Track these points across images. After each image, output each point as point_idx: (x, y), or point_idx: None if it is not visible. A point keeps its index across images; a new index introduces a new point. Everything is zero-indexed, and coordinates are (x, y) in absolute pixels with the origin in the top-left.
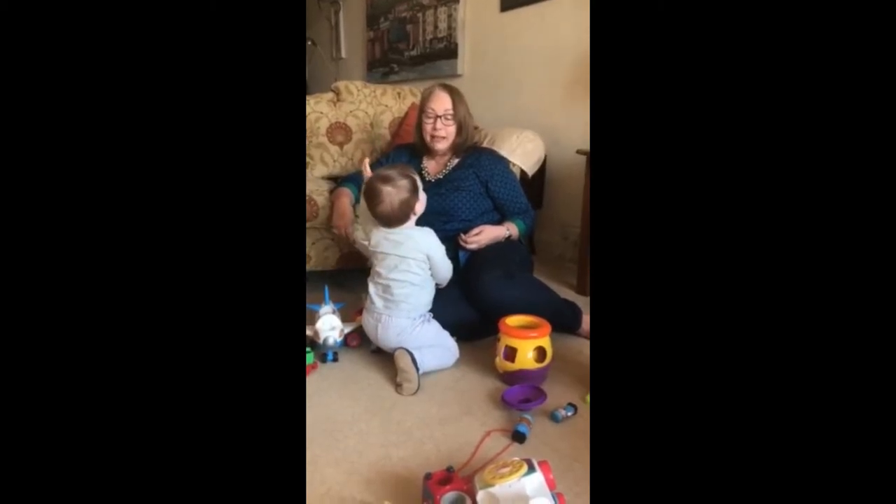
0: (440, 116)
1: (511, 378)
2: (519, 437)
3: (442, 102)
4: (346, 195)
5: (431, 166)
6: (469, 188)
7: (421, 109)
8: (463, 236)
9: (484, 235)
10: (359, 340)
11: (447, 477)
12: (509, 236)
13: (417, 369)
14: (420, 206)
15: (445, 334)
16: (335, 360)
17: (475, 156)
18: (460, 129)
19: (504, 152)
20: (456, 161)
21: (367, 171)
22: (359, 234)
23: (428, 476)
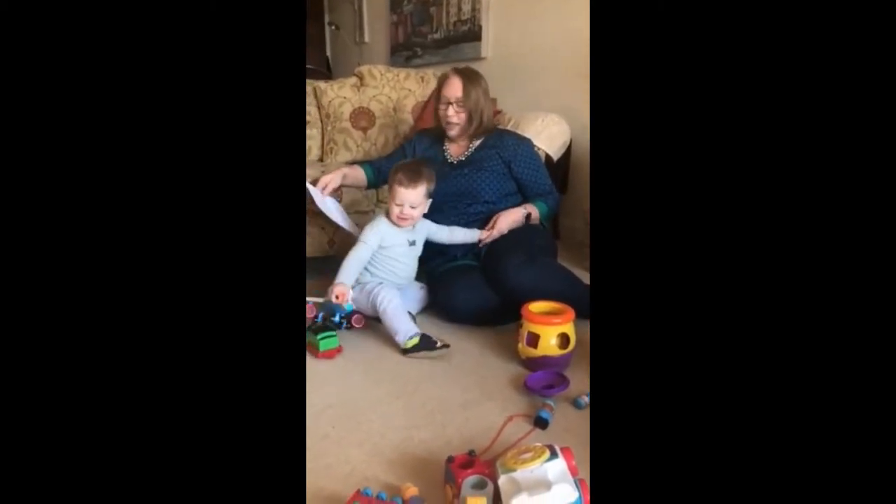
0: (451, 103)
1: (534, 364)
2: (541, 423)
3: (453, 89)
4: (358, 169)
5: (454, 148)
6: (492, 168)
7: (437, 94)
8: (481, 236)
9: (501, 223)
10: (364, 322)
11: (469, 460)
12: (529, 217)
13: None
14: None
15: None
16: (348, 326)
17: (498, 136)
18: (471, 116)
19: (528, 136)
20: (478, 142)
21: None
22: (326, 201)
23: (450, 459)
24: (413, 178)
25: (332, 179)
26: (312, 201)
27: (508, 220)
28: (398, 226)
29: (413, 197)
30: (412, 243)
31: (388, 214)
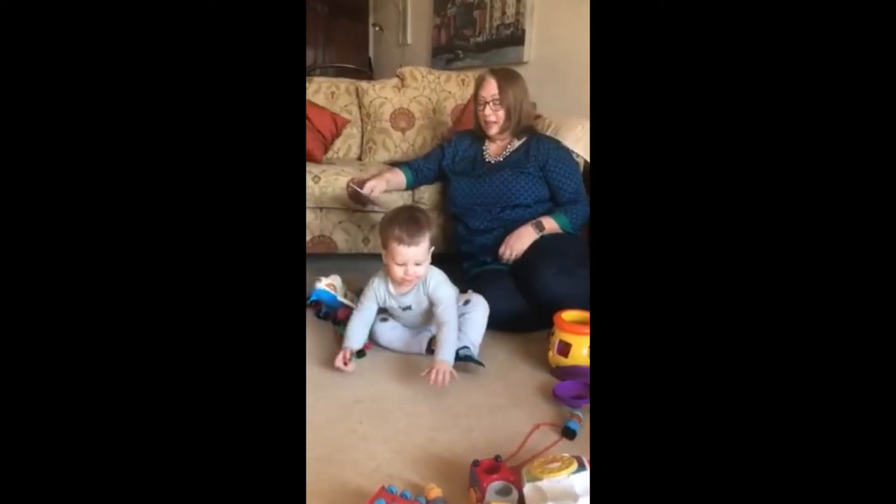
0: (488, 102)
1: (563, 373)
2: (569, 434)
3: (489, 88)
4: (398, 172)
5: (492, 149)
6: (528, 172)
7: (474, 96)
8: (501, 254)
9: (515, 245)
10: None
11: (494, 466)
12: (541, 227)
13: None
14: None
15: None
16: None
17: (537, 140)
18: (509, 113)
19: (568, 142)
20: (517, 143)
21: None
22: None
23: (475, 463)
24: (414, 233)
25: (377, 185)
26: (359, 199)
27: (522, 239)
28: (399, 287)
29: (416, 254)
30: (406, 308)
31: (385, 274)
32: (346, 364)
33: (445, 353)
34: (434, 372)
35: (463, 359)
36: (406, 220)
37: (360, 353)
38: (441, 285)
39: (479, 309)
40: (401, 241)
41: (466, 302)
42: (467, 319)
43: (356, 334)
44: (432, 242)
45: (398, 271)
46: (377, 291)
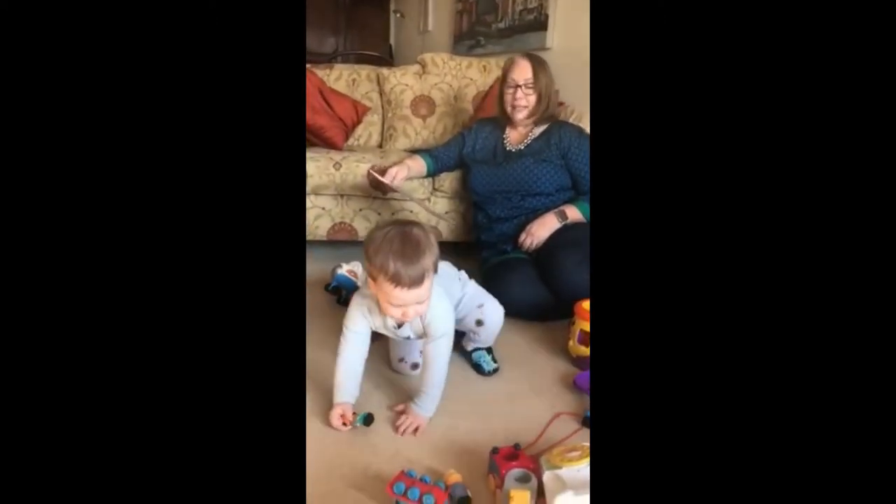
0: (520, 86)
1: (584, 363)
2: (589, 423)
3: (523, 71)
4: (419, 160)
5: (513, 136)
6: (550, 160)
7: (503, 79)
8: (521, 242)
9: (537, 232)
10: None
11: (514, 453)
12: (564, 216)
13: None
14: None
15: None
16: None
17: (558, 127)
18: (540, 98)
19: (590, 130)
20: (538, 131)
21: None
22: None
23: (495, 450)
24: (412, 262)
25: (399, 172)
26: (380, 186)
27: (545, 227)
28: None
29: (417, 295)
30: (405, 338)
31: (377, 304)
32: (345, 426)
33: (424, 407)
34: (403, 418)
35: (474, 366)
36: (400, 251)
37: (368, 420)
38: (439, 319)
39: (492, 325)
40: (398, 283)
41: (479, 322)
42: (477, 341)
43: (350, 380)
44: (436, 266)
45: (394, 312)
46: (368, 318)
